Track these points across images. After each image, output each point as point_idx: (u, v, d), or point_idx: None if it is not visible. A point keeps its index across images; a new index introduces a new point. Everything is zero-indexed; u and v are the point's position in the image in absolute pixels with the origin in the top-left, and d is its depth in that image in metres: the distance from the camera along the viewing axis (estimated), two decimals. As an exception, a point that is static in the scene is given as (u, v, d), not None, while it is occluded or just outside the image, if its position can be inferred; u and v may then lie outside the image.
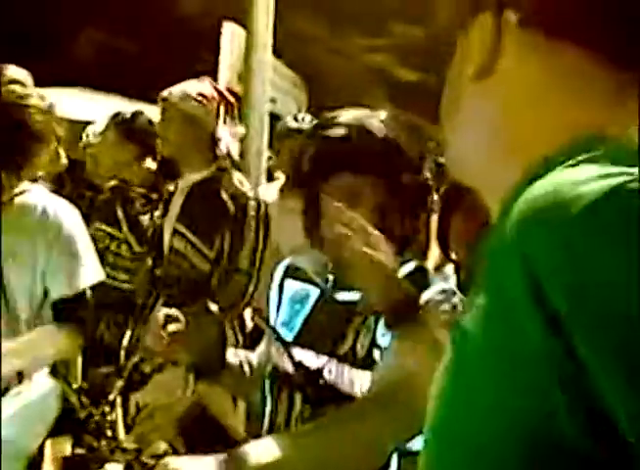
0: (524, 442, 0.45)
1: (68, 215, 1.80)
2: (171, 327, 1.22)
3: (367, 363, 1.29)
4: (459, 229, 1.60)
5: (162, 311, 1.30)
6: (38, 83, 2.26)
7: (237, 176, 2.64)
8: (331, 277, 1.41)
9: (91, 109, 5.04)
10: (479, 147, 0.59)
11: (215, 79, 4.77)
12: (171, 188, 2.68)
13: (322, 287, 1.41)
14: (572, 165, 0.49)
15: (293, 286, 1.47)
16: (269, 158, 4.92)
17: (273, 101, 5.59)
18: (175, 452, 1.16)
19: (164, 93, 2.58)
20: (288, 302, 1.46)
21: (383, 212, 1.34)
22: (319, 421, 1.15)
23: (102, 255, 2.82)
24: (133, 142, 2.94)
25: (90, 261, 1.78)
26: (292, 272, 1.49)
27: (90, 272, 1.74)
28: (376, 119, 1.36)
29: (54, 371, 1.23)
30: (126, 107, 3.66)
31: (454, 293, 1.32)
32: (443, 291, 1.30)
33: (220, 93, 2.65)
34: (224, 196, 2.51)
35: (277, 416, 1.39)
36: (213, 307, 1.20)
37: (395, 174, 1.36)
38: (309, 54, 7.22)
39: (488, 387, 0.48)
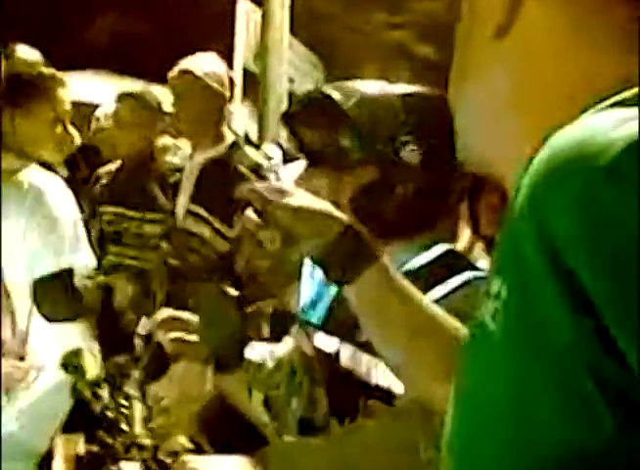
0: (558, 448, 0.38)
1: (57, 196, 1.80)
2: (174, 335, 1.14)
3: None
4: (490, 205, 1.52)
5: (165, 313, 1.22)
6: (52, 67, 2.22)
7: (252, 151, 2.57)
8: None
9: (105, 91, 4.98)
10: (492, 116, 0.53)
11: (231, 59, 4.71)
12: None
13: None
14: (599, 111, 0.42)
15: None
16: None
17: (291, 81, 5.51)
18: (198, 447, 1.11)
19: (186, 66, 2.47)
20: (319, 283, 1.39)
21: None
22: (353, 426, 1.08)
23: (120, 238, 2.78)
24: (147, 119, 2.86)
25: (79, 244, 1.78)
26: None
27: (79, 255, 1.73)
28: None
29: (64, 363, 1.16)
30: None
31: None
32: (476, 278, 1.21)
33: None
34: (243, 170, 2.42)
35: (293, 403, 1.32)
36: (232, 292, 1.11)
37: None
38: (326, 32, 7.10)
39: (510, 389, 0.41)
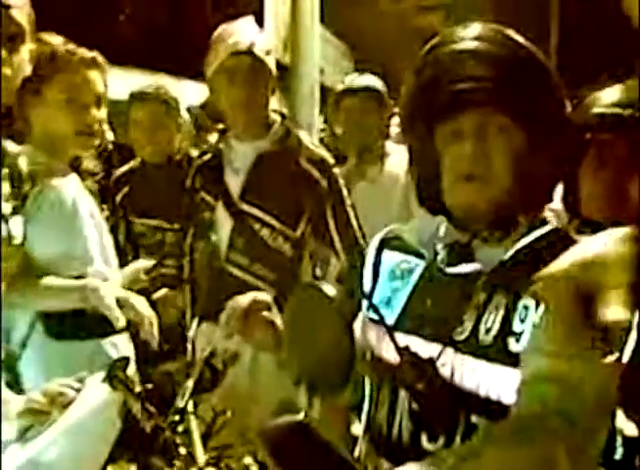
0: None
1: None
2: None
3: (499, 356, 1.02)
4: (593, 177, 1.32)
5: (250, 295, 1.09)
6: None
7: (311, 142, 2.25)
8: (441, 248, 1.14)
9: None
10: None
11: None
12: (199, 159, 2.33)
13: (428, 259, 1.15)
14: None
15: (392, 258, 1.21)
16: (322, 130, 4.70)
17: (321, 71, 5.37)
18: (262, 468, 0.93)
19: (244, 45, 2.08)
20: (386, 277, 1.21)
21: (520, 163, 1.07)
22: (466, 446, 0.88)
23: (154, 250, 2.61)
24: (163, 117, 2.66)
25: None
26: (390, 243, 1.23)
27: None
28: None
29: (110, 375, 0.99)
30: (172, 84, 3.43)
31: None
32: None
33: None
34: (303, 163, 2.12)
35: (376, 418, 1.15)
36: (331, 292, 0.85)
37: (545, 109, 1.07)
38: (356, 18, 6.92)
39: None
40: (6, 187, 1.48)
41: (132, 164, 2.78)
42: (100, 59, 1.85)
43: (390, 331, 1.10)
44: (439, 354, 1.06)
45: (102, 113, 1.88)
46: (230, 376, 1.19)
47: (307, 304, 0.88)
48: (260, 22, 4.75)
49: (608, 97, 1.33)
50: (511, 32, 1.10)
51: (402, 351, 1.09)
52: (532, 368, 0.88)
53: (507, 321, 1.03)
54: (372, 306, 1.17)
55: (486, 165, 1.06)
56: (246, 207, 2.14)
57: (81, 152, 1.91)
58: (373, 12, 7.46)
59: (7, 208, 1.47)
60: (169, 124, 2.67)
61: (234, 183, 2.17)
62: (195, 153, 2.68)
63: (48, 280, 1.73)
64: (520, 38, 1.10)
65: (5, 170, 1.48)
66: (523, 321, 1.02)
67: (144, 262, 2.08)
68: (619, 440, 1.13)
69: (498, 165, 1.06)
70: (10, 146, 1.53)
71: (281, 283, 2.07)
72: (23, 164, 1.54)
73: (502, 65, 1.06)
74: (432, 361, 1.06)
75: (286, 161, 2.13)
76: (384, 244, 1.23)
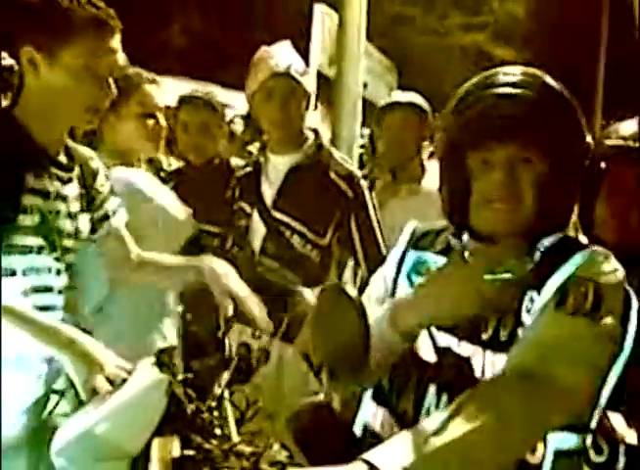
0: None
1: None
2: None
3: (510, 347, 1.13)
4: (607, 204, 1.41)
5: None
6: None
7: (341, 156, 2.44)
8: (468, 255, 1.24)
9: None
10: None
11: (307, 63, 4.68)
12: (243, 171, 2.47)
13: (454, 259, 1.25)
14: None
15: (419, 257, 1.32)
16: (362, 146, 4.78)
17: (365, 86, 5.45)
18: (290, 457, 1.04)
19: (282, 67, 2.28)
20: (410, 274, 1.31)
21: (543, 190, 1.18)
22: (456, 407, 0.99)
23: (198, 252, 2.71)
24: (211, 121, 2.78)
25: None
26: (416, 242, 1.35)
27: None
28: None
29: (158, 361, 1.12)
30: (221, 93, 3.57)
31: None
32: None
33: None
34: (332, 176, 2.30)
35: (398, 407, 1.23)
36: (352, 291, 1.02)
37: (568, 143, 1.20)
38: (402, 34, 7.00)
39: None
40: (76, 187, 1.60)
41: (179, 164, 2.94)
42: (157, 78, 2.12)
43: (430, 330, 1.21)
44: (473, 354, 1.17)
45: (162, 120, 2.19)
46: (261, 371, 1.31)
47: (331, 301, 1.01)
48: (308, 37, 4.89)
49: (623, 130, 1.43)
50: (546, 78, 1.23)
51: (443, 350, 1.19)
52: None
53: (518, 315, 1.14)
54: None
55: (513, 193, 1.19)
56: (278, 214, 2.30)
57: (148, 153, 2.17)
58: (418, 29, 7.55)
59: (76, 206, 1.59)
60: (214, 128, 2.79)
61: (268, 192, 2.35)
62: (234, 159, 2.84)
63: (161, 258, 1.76)
64: (553, 82, 1.23)
65: (77, 171, 1.60)
66: (529, 312, 1.12)
67: None
68: (622, 449, 1.21)
69: (523, 194, 1.19)
70: (82, 148, 1.67)
71: (308, 288, 2.21)
72: (96, 165, 1.67)
73: (535, 108, 1.19)
74: (468, 361, 1.17)
75: (316, 173, 2.30)
76: (413, 242, 1.35)
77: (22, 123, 1.46)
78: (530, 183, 1.18)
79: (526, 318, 1.14)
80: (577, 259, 1.14)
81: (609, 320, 1.07)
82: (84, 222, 1.62)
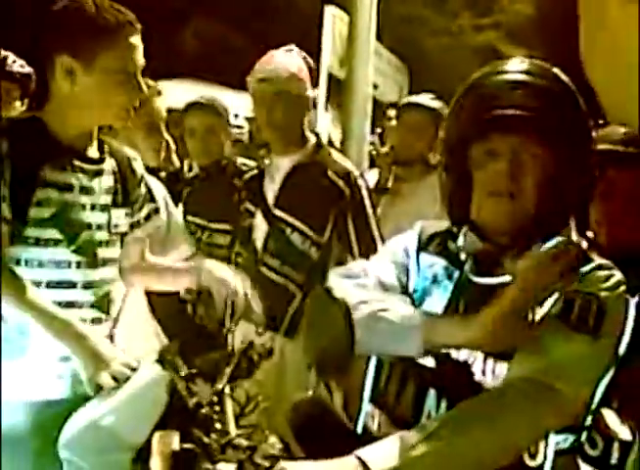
0: None
1: None
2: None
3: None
4: (601, 207, 1.43)
5: None
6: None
7: (339, 156, 2.49)
8: (465, 257, 1.26)
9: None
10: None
11: (317, 64, 4.70)
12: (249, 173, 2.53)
13: (456, 266, 1.26)
14: None
15: (431, 262, 1.30)
16: (371, 143, 4.80)
17: (375, 86, 5.46)
18: (286, 449, 1.07)
19: (269, 73, 2.35)
20: (422, 279, 1.29)
21: (547, 186, 1.17)
22: (449, 415, 1.02)
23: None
24: (216, 127, 2.85)
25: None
26: (427, 247, 1.32)
27: None
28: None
29: (161, 358, 1.16)
30: (231, 96, 3.62)
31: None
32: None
33: (309, 66, 2.44)
34: (330, 174, 2.35)
35: (396, 409, 1.25)
36: (337, 294, 1.06)
37: (576, 141, 1.18)
38: (412, 35, 7.00)
39: None
40: (108, 181, 1.62)
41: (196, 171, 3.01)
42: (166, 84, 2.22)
43: None
44: (473, 360, 1.17)
45: (165, 133, 2.40)
46: (262, 367, 1.34)
47: (318, 304, 1.05)
48: (319, 39, 4.92)
49: (612, 135, 1.44)
50: (556, 70, 1.22)
51: (442, 355, 1.19)
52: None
53: None
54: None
55: (517, 185, 1.17)
56: (279, 212, 2.36)
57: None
58: (428, 30, 7.54)
59: (106, 199, 1.61)
60: (220, 132, 2.89)
61: (271, 192, 2.42)
62: (240, 160, 2.92)
63: (163, 261, 1.82)
64: (563, 75, 1.21)
65: (112, 164, 1.62)
66: None
67: None
68: (615, 445, 1.23)
69: (527, 187, 1.17)
70: (124, 148, 1.71)
71: (308, 284, 2.26)
72: (137, 165, 1.71)
73: (545, 98, 1.17)
74: (467, 366, 1.17)
75: (315, 172, 2.35)
76: (421, 245, 1.32)
77: (47, 123, 1.51)
78: (535, 178, 1.16)
79: None
80: (582, 273, 1.14)
81: (609, 339, 1.10)
82: (118, 216, 1.63)
